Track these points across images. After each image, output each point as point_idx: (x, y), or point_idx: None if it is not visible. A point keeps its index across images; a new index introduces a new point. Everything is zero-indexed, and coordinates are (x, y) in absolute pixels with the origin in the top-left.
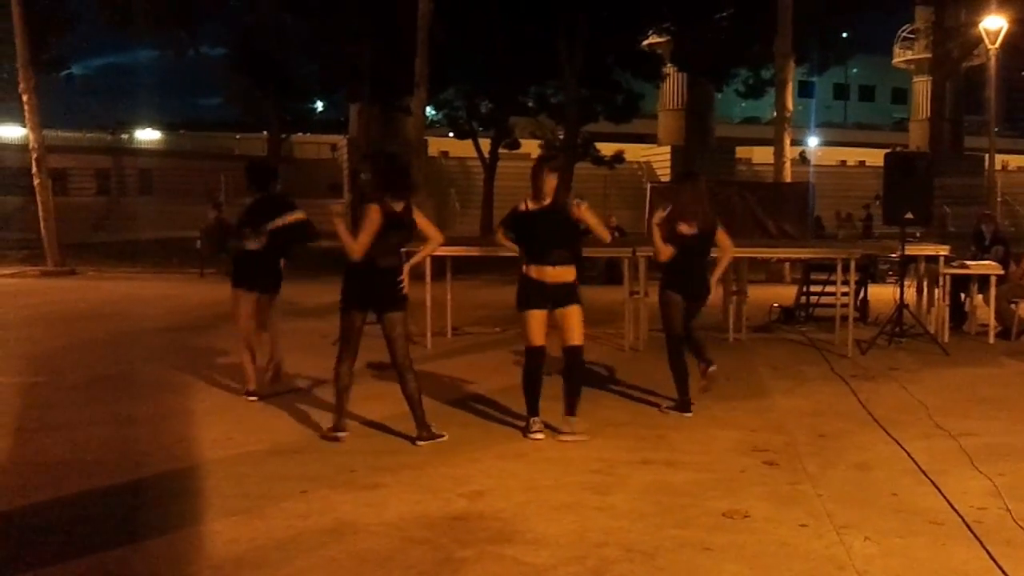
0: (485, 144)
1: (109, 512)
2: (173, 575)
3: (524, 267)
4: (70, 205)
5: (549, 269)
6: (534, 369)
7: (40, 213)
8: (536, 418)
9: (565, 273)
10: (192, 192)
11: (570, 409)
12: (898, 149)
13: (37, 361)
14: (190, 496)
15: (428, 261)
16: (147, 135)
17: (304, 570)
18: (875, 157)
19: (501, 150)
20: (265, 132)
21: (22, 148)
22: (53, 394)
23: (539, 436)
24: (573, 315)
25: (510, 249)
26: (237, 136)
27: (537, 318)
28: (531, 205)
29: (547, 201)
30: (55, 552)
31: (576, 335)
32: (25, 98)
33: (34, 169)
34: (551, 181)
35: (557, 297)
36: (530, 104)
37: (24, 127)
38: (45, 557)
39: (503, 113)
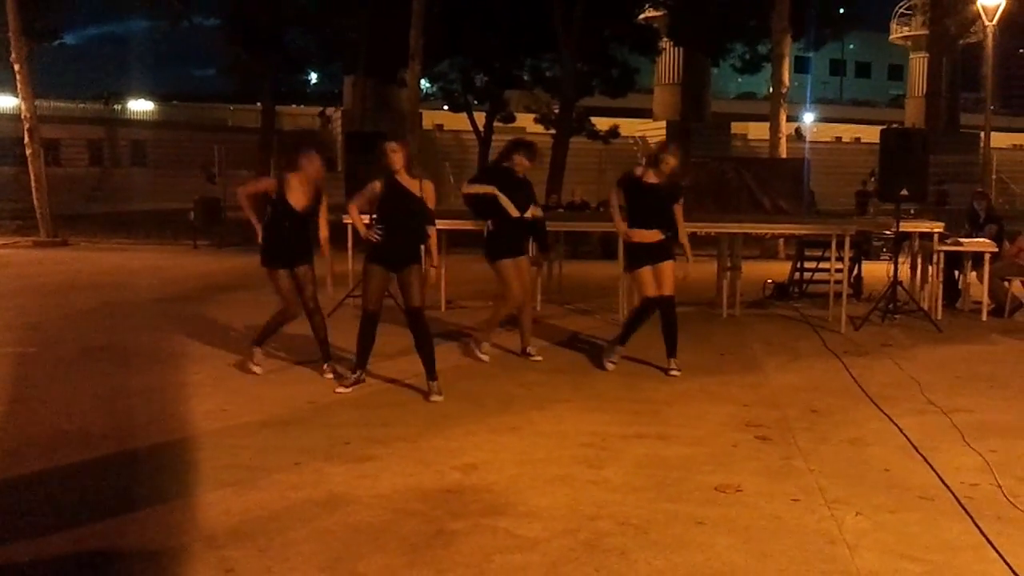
0: (480, 117)
1: (102, 483)
2: (166, 545)
3: (626, 232)
4: (63, 176)
5: (650, 232)
6: (644, 313)
7: (32, 183)
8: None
9: (661, 234)
10: (185, 163)
11: (669, 351)
12: (894, 126)
13: (29, 331)
14: (183, 467)
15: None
16: (140, 106)
17: (297, 541)
18: (871, 134)
19: (496, 123)
20: (259, 104)
21: (14, 118)
22: (45, 365)
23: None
24: (667, 270)
25: (615, 216)
26: (231, 107)
27: (647, 273)
28: (649, 177)
29: (661, 177)
30: (47, 523)
31: (668, 287)
32: (17, 68)
33: (26, 139)
34: (670, 161)
35: (656, 254)
36: (526, 78)
37: (16, 97)
38: (37, 528)
39: (498, 86)
